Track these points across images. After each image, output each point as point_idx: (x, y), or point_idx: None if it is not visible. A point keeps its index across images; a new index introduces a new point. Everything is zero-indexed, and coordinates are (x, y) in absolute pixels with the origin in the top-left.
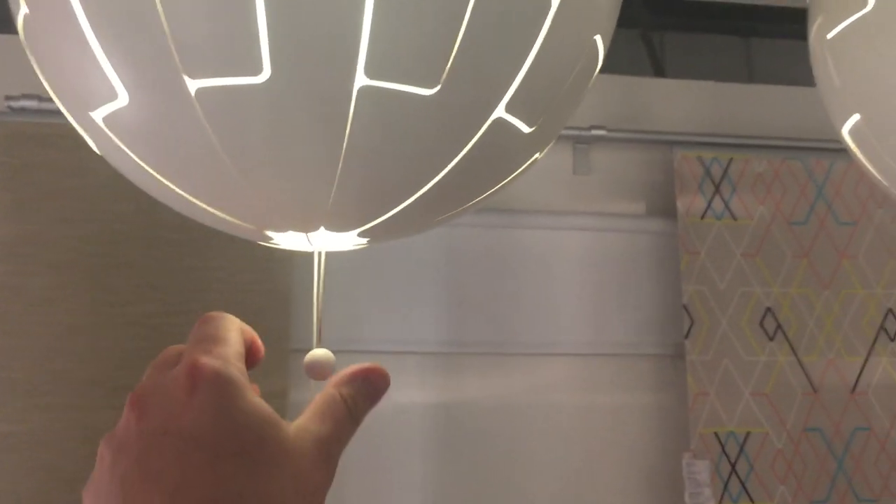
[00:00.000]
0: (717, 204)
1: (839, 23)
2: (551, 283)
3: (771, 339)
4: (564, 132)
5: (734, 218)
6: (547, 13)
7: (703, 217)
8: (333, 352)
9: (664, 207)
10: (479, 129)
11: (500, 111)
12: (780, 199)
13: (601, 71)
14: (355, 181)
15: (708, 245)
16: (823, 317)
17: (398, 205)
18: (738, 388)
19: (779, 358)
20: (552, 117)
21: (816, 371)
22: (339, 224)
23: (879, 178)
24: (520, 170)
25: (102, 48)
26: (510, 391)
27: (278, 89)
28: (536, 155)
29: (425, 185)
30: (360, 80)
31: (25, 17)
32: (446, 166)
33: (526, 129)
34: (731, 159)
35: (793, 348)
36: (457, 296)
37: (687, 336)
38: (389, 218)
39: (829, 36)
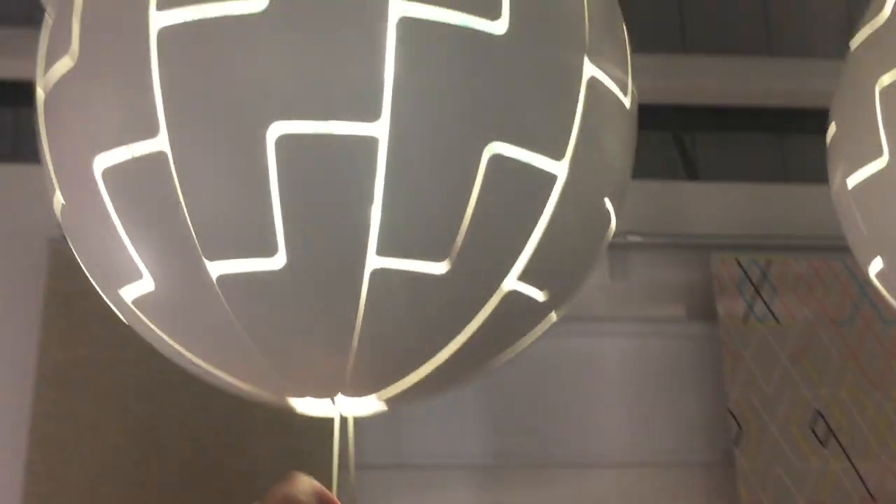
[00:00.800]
0: (759, 306)
1: (858, 170)
2: (593, 391)
3: (823, 444)
4: None
5: (777, 320)
6: (554, 184)
7: (744, 320)
8: (374, 466)
9: (704, 311)
10: (492, 300)
11: (512, 282)
12: (823, 299)
13: (634, 176)
14: (371, 353)
15: (752, 348)
16: (876, 419)
17: (414, 372)
18: (793, 497)
19: (832, 464)
20: (567, 282)
21: (873, 477)
22: (358, 391)
23: None
24: (537, 333)
25: (128, 234)
26: None
27: (294, 275)
28: (552, 315)
29: (440, 355)
30: (373, 260)
31: (62, 206)
32: (460, 337)
33: (540, 296)
34: (769, 261)
35: (846, 454)
36: (498, 407)
37: (736, 443)
38: (408, 385)
39: (851, 186)
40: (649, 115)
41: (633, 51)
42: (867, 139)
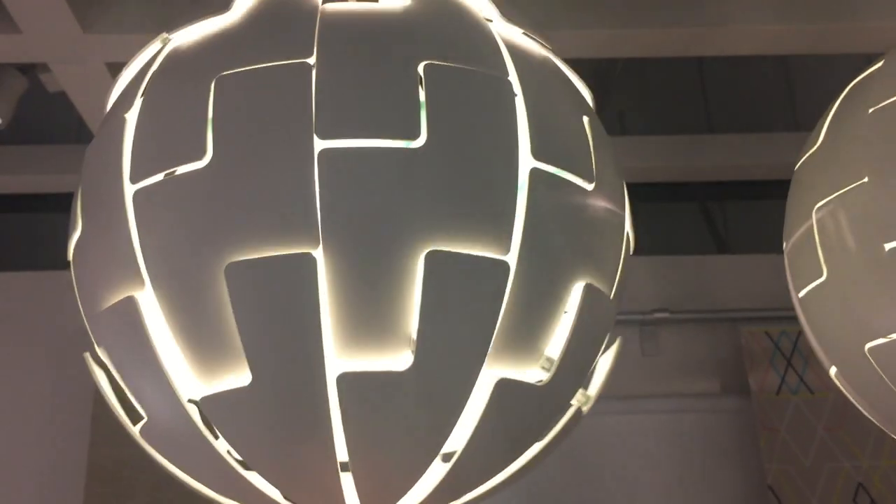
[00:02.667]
0: (791, 378)
1: (805, 285)
2: (630, 469)
3: None
4: (629, 316)
5: (811, 391)
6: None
7: (778, 392)
8: None
9: (737, 385)
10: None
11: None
12: None
13: (664, 252)
14: (362, 463)
15: (787, 421)
16: None
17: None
18: None
19: None
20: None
21: None
22: None
23: (868, 414)
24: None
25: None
26: None
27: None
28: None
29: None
30: (333, 364)
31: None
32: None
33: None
34: (800, 332)
35: None
36: (535, 486)
37: None
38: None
39: (800, 295)
40: (678, 192)
41: (660, 132)
42: (807, 259)
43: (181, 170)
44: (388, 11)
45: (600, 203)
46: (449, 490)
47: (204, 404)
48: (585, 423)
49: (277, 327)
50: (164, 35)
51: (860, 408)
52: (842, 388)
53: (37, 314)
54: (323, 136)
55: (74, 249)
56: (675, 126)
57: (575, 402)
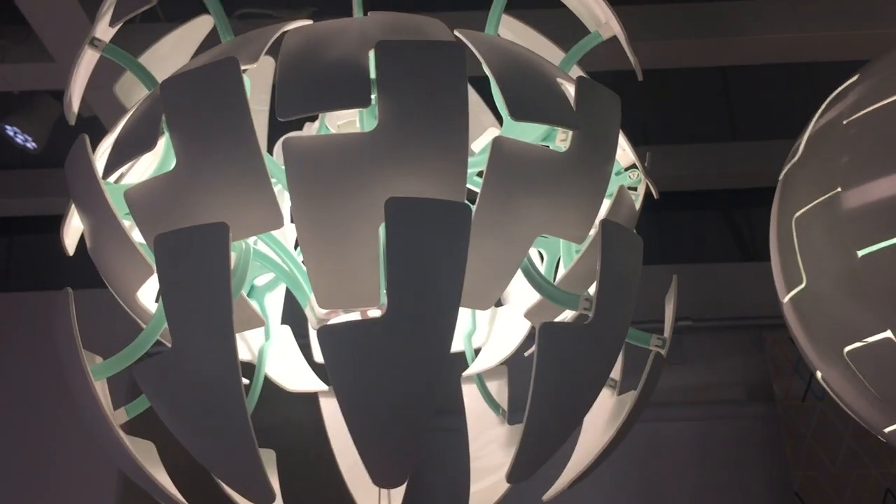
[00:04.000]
0: (817, 384)
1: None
2: (655, 476)
3: None
4: (652, 325)
5: None
6: None
7: (803, 399)
8: None
9: (762, 392)
10: None
11: None
12: None
13: (688, 260)
14: None
15: (813, 427)
16: None
17: None
18: None
19: None
20: None
21: None
22: None
23: (853, 415)
24: None
25: None
26: None
27: None
28: None
29: None
30: None
31: None
32: None
33: None
34: None
35: None
36: (566, 495)
37: None
38: None
39: (784, 301)
40: (702, 200)
41: (684, 142)
42: (788, 266)
43: None
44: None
45: (573, 157)
46: (535, 448)
47: None
48: None
49: None
50: None
51: (846, 409)
52: (828, 390)
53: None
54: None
55: None
56: (699, 135)
57: (653, 347)
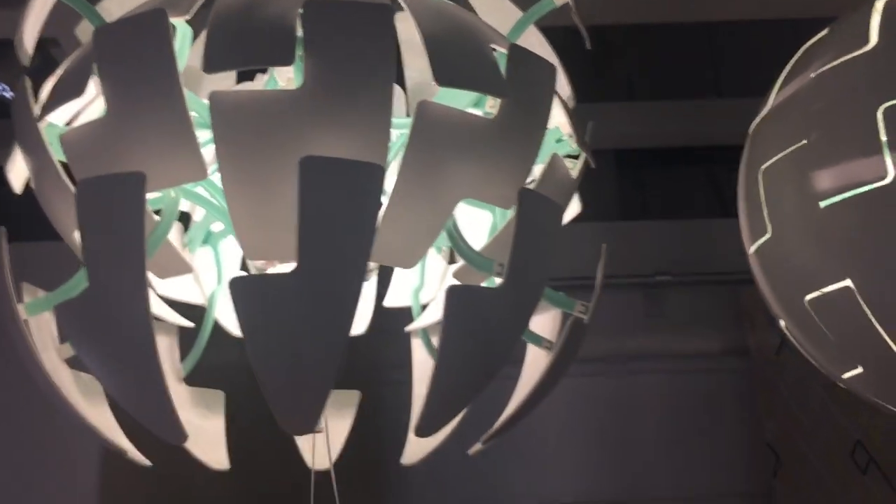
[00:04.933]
0: None
1: (754, 242)
2: (632, 428)
3: (863, 472)
4: (632, 280)
5: None
6: None
7: (777, 353)
8: None
9: (738, 346)
10: None
11: None
12: None
13: (670, 216)
14: None
15: (786, 380)
16: None
17: None
18: None
19: (874, 492)
20: None
21: None
22: None
23: (814, 363)
24: None
25: None
26: None
27: None
28: None
29: None
30: None
31: None
32: None
33: None
34: None
35: (888, 481)
36: (536, 447)
37: (775, 475)
38: None
39: (750, 251)
40: (684, 156)
41: (667, 97)
42: (753, 216)
43: None
44: None
45: (501, 124)
46: (441, 405)
47: None
48: (592, 383)
49: None
50: None
51: (808, 357)
52: (791, 339)
53: None
54: None
55: None
56: (684, 91)
57: (577, 312)
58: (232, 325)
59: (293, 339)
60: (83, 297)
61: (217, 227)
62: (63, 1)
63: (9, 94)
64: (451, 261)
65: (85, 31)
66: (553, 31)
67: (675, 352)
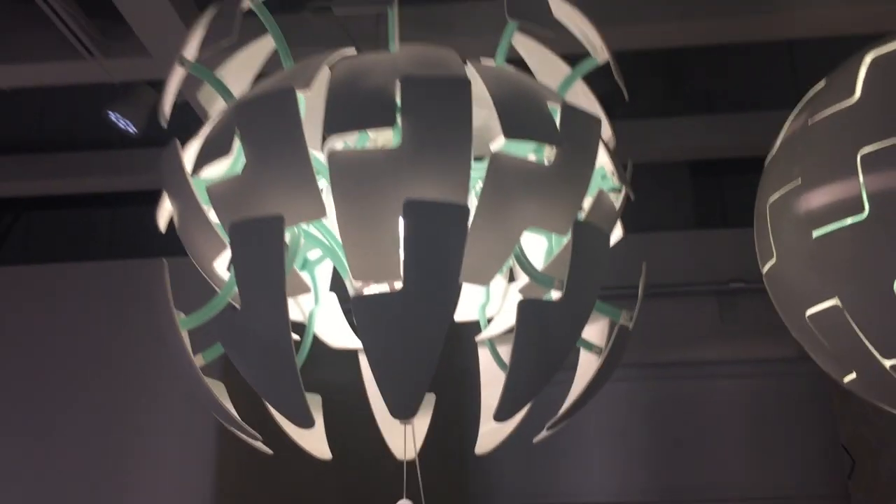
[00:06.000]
0: None
1: (765, 264)
2: (711, 433)
3: None
4: (707, 287)
5: None
6: None
7: None
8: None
9: None
10: None
11: None
12: None
13: (742, 225)
14: None
15: None
16: None
17: None
18: None
19: None
20: None
21: None
22: None
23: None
24: None
25: None
26: None
27: None
28: None
29: None
30: None
31: None
32: None
33: None
34: None
35: None
36: (622, 449)
37: (850, 476)
38: None
39: (763, 272)
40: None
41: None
42: (764, 243)
43: None
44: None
45: (555, 168)
46: (515, 395)
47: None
48: (670, 387)
49: None
50: None
51: (819, 364)
52: (804, 346)
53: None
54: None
55: None
56: (761, 103)
57: (623, 321)
58: (329, 339)
59: (401, 343)
60: (237, 313)
61: (313, 255)
62: (194, 74)
63: (132, 129)
64: (510, 280)
65: (206, 95)
66: (624, 55)
67: (750, 357)
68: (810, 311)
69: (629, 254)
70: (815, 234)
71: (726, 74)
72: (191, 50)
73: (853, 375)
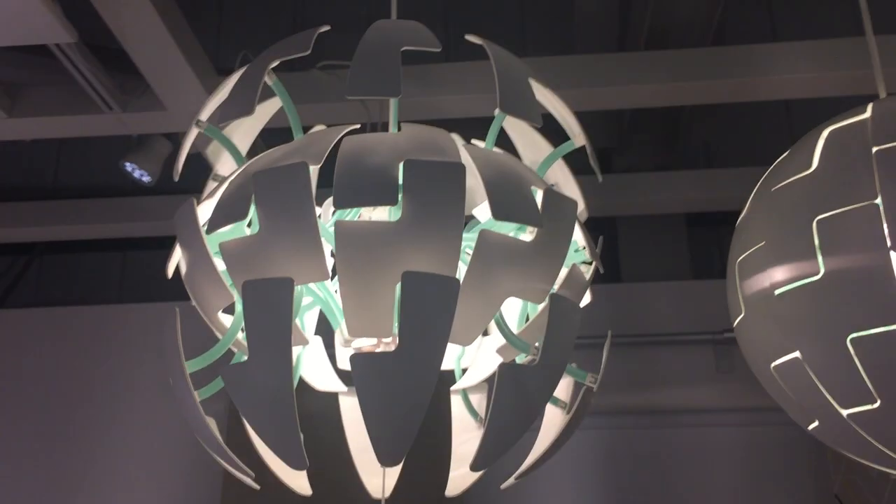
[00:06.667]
0: None
1: (735, 319)
2: (704, 480)
3: None
4: (703, 336)
5: None
6: None
7: None
8: None
9: None
10: None
11: None
12: None
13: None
14: None
15: None
16: None
17: None
18: None
19: None
20: None
21: None
22: None
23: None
24: None
25: None
26: None
27: None
28: None
29: None
30: None
31: None
32: None
33: None
34: None
35: None
36: (612, 496)
37: None
38: None
39: (734, 326)
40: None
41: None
42: (733, 298)
43: None
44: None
45: (536, 246)
46: (485, 454)
47: None
48: (664, 434)
49: None
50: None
51: (787, 412)
52: (771, 396)
53: None
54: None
55: None
56: (757, 159)
57: (588, 382)
58: (314, 381)
59: (393, 397)
60: (245, 363)
61: (303, 301)
62: (209, 136)
63: (146, 179)
64: (484, 334)
65: (214, 148)
66: (623, 112)
67: (744, 405)
68: (774, 363)
69: (628, 302)
70: (777, 292)
71: (724, 130)
72: (207, 112)
73: (816, 423)
